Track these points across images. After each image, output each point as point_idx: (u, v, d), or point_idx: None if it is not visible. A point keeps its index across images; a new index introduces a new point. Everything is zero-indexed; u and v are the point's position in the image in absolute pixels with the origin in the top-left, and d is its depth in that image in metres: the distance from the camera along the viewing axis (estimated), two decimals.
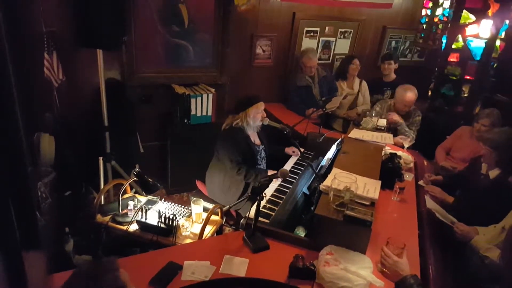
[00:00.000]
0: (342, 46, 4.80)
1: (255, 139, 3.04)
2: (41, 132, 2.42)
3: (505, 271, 1.54)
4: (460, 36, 3.72)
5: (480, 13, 3.62)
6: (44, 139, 2.43)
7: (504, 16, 3.54)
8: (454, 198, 2.77)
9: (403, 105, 3.62)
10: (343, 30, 4.69)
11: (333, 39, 4.68)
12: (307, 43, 4.52)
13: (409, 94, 3.58)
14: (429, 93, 3.64)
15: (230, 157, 2.84)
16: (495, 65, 3.79)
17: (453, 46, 3.76)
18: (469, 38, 3.68)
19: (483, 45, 3.57)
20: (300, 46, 4.49)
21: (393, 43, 5.10)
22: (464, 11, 3.65)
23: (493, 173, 2.61)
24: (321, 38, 4.60)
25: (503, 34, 3.72)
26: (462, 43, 3.72)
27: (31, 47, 2.77)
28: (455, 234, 2.37)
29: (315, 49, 4.46)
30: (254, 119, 2.89)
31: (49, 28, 2.90)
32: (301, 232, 2.31)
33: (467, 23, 3.65)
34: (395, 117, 3.57)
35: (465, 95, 3.73)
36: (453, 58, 3.78)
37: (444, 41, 3.75)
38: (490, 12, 3.58)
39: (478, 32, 3.61)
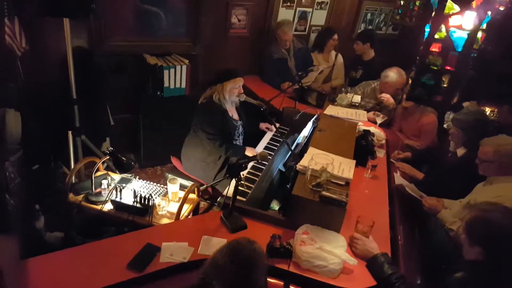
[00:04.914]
0: (318, 17, 4.73)
1: (233, 114, 3.00)
2: (5, 108, 2.28)
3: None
4: (443, 26, 3.73)
5: (464, 3, 3.63)
6: (10, 115, 2.29)
7: (488, 8, 3.57)
8: (424, 175, 2.88)
9: (395, 89, 3.63)
10: (319, 0, 4.60)
11: (309, 9, 4.60)
12: (284, 13, 4.42)
13: (400, 79, 3.60)
14: (410, 82, 3.67)
15: (207, 130, 2.80)
16: (475, 55, 3.90)
17: (436, 36, 3.78)
18: (452, 29, 3.70)
19: (466, 36, 3.62)
20: (276, 16, 4.39)
21: (368, 15, 5.08)
22: (449, 1, 3.65)
23: (460, 151, 2.72)
24: (298, 9, 4.51)
25: (484, 26, 3.77)
26: (445, 33, 3.75)
27: None
28: (423, 207, 2.48)
29: (291, 21, 4.37)
30: (230, 94, 2.83)
31: None
32: (275, 206, 2.37)
33: (451, 13, 3.66)
34: (390, 101, 3.57)
35: (445, 85, 3.82)
36: (435, 48, 3.81)
37: (427, 30, 3.75)
38: (474, 4, 3.60)
39: (461, 23, 3.64)
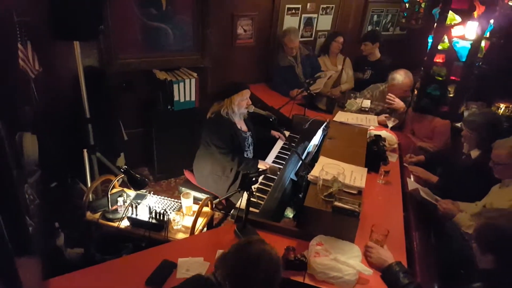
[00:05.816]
0: (324, 23, 4.73)
1: (241, 126, 3.03)
2: (22, 132, 2.35)
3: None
4: (446, 37, 3.73)
5: (465, 14, 3.62)
6: (27, 138, 2.36)
7: (489, 18, 3.55)
8: (438, 178, 2.84)
9: (403, 91, 3.62)
10: (324, 6, 4.61)
11: (315, 15, 4.61)
12: (289, 20, 4.44)
13: (407, 80, 3.59)
14: (415, 92, 3.67)
15: (219, 145, 2.83)
16: (480, 63, 3.88)
17: (439, 47, 3.78)
18: (455, 39, 3.69)
19: (469, 46, 3.60)
20: (282, 24, 4.41)
21: (375, 17, 5.07)
22: (450, 12, 3.64)
23: (474, 153, 2.68)
24: (303, 15, 4.52)
25: (488, 34, 3.75)
26: (448, 44, 3.74)
27: (3, 37, 2.65)
28: (438, 211, 2.45)
29: (297, 29, 4.39)
30: (239, 107, 2.87)
31: (21, 17, 2.77)
32: (289, 214, 2.38)
33: (452, 24, 3.65)
34: (400, 104, 3.56)
35: (451, 95, 3.81)
36: (439, 59, 3.80)
37: (430, 41, 3.74)
38: (475, 14, 3.58)
39: (464, 34, 3.64)
